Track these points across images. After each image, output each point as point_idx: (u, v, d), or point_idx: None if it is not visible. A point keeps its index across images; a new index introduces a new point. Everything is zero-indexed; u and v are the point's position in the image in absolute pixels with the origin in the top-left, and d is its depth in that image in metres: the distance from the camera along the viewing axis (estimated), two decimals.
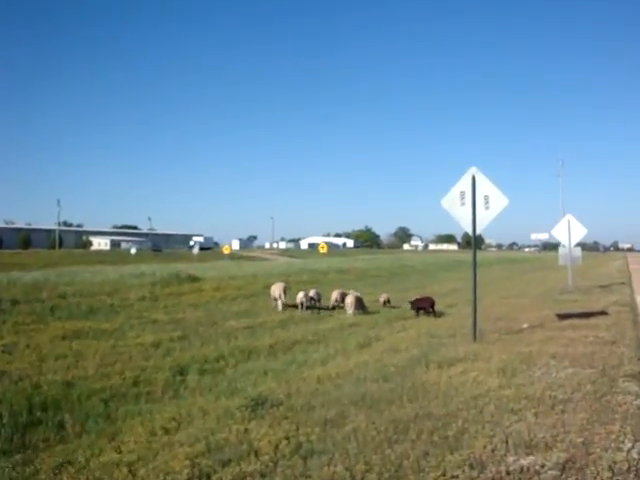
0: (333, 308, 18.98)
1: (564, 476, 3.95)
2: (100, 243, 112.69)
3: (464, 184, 10.31)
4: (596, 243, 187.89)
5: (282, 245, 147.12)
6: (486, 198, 10.17)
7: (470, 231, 10.40)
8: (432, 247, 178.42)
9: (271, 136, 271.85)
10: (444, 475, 4.10)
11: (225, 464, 4.66)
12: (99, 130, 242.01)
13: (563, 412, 5.34)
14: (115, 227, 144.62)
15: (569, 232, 21.81)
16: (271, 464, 4.57)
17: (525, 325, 11.45)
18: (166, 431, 6.21)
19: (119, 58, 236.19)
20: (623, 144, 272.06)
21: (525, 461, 4.20)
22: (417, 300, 17.13)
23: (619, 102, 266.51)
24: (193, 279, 28.16)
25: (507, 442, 4.59)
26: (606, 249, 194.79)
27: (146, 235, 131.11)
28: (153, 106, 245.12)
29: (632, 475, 3.93)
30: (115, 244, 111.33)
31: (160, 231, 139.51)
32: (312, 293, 19.59)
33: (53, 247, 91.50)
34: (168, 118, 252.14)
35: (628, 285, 23.79)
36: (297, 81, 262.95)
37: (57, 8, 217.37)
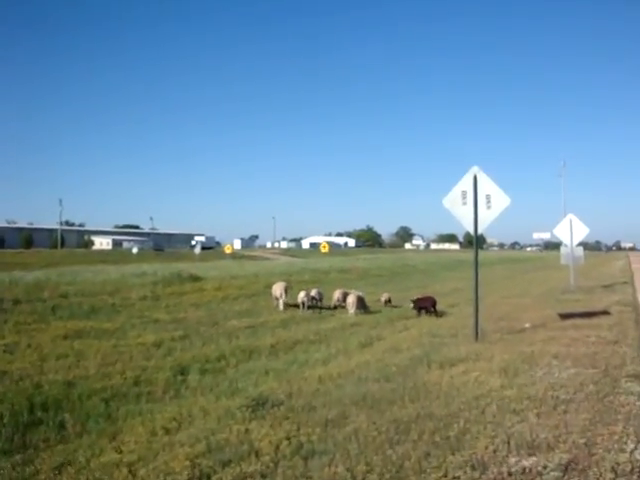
0: (335, 308, 18.96)
1: (566, 477, 3.92)
2: (102, 243, 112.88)
3: (466, 183, 10.28)
4: (598, 242, 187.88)
5: (284, 244, 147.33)
6: (488, 197, 10.14)
7: (472, 230, 10.37)
8: (434, 246, 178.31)
9: (273, 135, 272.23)
10: (445, 476, 4.07)
11: (225, 464, 4.64)
12: (101, 130, 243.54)
13: (565, 412, 5.31)
14: (117, 227, 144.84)
15: (571, 231, 21.78)
16: (272, 465, 4.55)
17: (527, 325, 11.42)
18: (167, 431, 6.20)
19: (118, 57, 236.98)
20: (625, 143, 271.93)
21: (527, 462, 4.18)
22: (419, 300, 17.12)
23: (621, 101, 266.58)
24: (195, 279, 28.18)
25: (509, 443, 4.57)
26: (608, 248, 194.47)
27: (148, 235, 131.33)
28: (156, 106, 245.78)
29: (635, 477, 3.90)
30: (117, 244, 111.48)
31: (162, 231, 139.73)
32: (314, 292, 19.60)
33: (55, 247, 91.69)
34: (171, 117, 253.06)
35: (630, 285, 23.73)
36: (298, 80, 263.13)
37: (57, 8, 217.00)
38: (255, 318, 16.87)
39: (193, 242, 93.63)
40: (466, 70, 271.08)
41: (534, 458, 4.24)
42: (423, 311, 16.64)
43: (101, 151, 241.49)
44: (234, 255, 68.35)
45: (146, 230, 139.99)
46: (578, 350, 8.36)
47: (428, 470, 4.18)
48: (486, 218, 10.21)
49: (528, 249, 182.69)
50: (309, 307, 18.61)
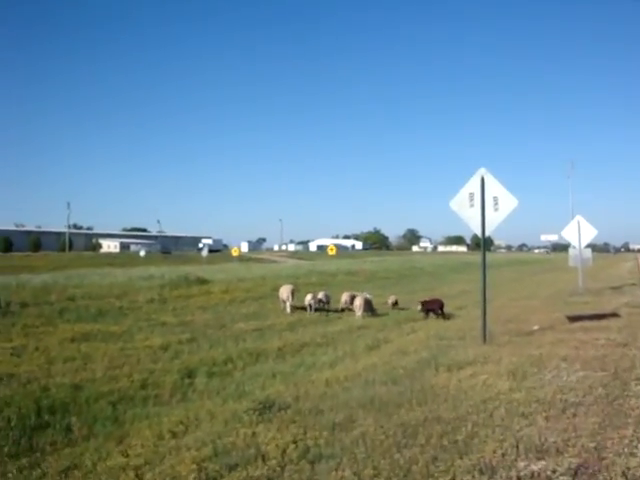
0: (342, 310, 18.93)
1: None
2: (110, 246, 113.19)
3: (473, 185, 10.24)
4: (606, 244, 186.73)
5: (291, 247, 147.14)
6: (495, 199, 10.09)
7: (479, 233, 10.32)
8: (441, 249, 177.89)
9: (280, 139, 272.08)
10: None
11: (232, 468, 4.62)
12: (109, 133, 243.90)
13: (574, 416, 5.26)
14: (125, 230, 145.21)
15: (579, 233, 21.65)
16: (278, 469, 4.52)
17: (535, 327, 11.35)
18: (173, 434, 6.19)
19: (124, 60, 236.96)
20: (632, 145, 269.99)
21: (536, 466, 4.13)
22: (426, 302, 17.08)
23: (629, 103, 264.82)
24: (202, 281, 28.24)
25: (518, 447, 4.53)
26: (617, 250, 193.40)
27: (155, 238, 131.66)
28: (163, 109, 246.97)
29: None
30: (124, 247, 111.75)
31: (169, 233, 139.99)
32: (321, 295, 19.59)
33: (63, 250, 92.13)
34: (179, 121, 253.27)
35: (639, 286, 23.56)
36: (302, 83, 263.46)
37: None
38: (262, 321, 16.87)
39: (200, 245, 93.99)
40: (472, 73, 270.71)
41: (543, 462, 4.20)
42: (430, 313, 16.59)
43: (109, 154, 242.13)
44: (241, 258, 68.44)
45: (153, 233, 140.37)
46: (587, 353, 8.29)
47: (436, 474, 4.15)
48: (494, 220, 10.16)
49: (536, 251, 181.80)
50: (316, 310, 18.60)
